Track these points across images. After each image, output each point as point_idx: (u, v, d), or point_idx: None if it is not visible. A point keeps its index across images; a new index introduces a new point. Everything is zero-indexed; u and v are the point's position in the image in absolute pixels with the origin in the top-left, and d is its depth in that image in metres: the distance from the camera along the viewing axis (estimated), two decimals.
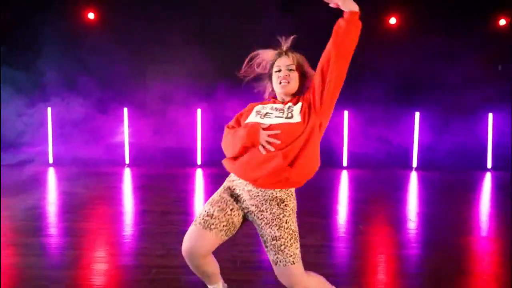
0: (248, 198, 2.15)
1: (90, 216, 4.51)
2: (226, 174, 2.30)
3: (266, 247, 2.14)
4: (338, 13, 2.09)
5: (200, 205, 5.10)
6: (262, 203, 2.12)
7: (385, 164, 7.52)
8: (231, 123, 2.29)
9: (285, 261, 2.08)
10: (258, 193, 2.12)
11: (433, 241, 3.89)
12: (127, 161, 7.37)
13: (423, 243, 3.86)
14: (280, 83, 2.21)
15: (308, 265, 2.34)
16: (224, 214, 2.15)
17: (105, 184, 6.09)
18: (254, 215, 2.16)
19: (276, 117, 2.13)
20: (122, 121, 7.33)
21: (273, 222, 2.10)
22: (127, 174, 6.80)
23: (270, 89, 2.34)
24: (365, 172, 7.16)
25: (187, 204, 5.22)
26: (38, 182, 6.16)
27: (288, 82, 2.20)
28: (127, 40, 7.64)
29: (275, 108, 2.18)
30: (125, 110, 7.35)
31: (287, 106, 2.17)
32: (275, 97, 2.30)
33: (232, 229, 2.17)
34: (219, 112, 7.27)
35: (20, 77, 7.67)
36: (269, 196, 2.11)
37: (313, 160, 2.13)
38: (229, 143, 2.18)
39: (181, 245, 2.16)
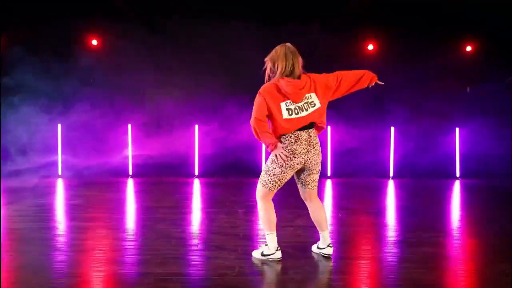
0: None
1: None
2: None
3: None
4: None
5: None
6: None
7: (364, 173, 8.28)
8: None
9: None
10: None
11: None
12: (130, 172, 8.07)
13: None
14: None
15: None
16: None
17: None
18: None
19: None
20: (127, 136, 8.07)
21: None
22: (131, 182, 7.49)
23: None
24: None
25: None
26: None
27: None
28: (132, 65, 8.33)
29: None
30: (129, 126, 8.10)
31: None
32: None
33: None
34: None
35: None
36: None
37: None
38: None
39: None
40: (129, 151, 8.10)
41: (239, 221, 4.88)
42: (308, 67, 3.51)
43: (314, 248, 3.84)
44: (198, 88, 8.37)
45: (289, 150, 3.44)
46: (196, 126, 8.20)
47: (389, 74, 8.89)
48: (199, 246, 3.99)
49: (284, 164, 3.45)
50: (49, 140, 8.06)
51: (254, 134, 3.46)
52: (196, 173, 8.09)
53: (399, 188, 7.41)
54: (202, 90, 8.39)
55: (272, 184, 3.53)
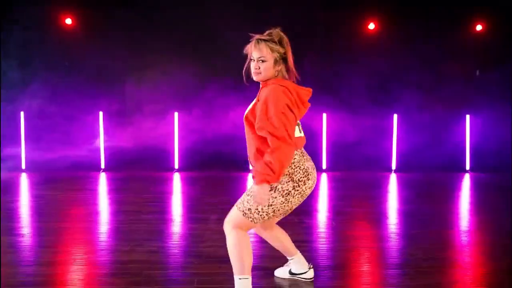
0: None
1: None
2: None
3: None
4: None
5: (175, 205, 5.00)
6: None
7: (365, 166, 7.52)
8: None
9: (237, 202, 2.62)
10: None
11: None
12: (102, 165, 7.25)
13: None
14: (254, 73, 2.53)
15: None
16: None
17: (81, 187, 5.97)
18: None
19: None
20: (98, 125, 7.25)
21: None
22: (102, 177, 6.69)
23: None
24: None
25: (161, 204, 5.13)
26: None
27: (260, 73, 2.50)
28: (104, 45, 7.57)
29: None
30: (100, 114, 7.26)
31: None
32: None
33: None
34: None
35: None
36: None
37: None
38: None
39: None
40: (101, 142, 7.30)
41: (207, 232, 4.08)
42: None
43: (281, 273, 3.07)
44: (177, 71, 7.55)
45: (303, 170, 2.52)
46: (176, 114, 7.36)
47: (391, 57, 8.14)
48: (142, 277, 3.06)
49: (292, 191, 2.50)
50: (8, 130, 7.28)
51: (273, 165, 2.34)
52: (176, 166, 7.29)
53: (402, 184, 6.66)
54: (182, 74, 7.56)
55: (262, 217, 2.53)
